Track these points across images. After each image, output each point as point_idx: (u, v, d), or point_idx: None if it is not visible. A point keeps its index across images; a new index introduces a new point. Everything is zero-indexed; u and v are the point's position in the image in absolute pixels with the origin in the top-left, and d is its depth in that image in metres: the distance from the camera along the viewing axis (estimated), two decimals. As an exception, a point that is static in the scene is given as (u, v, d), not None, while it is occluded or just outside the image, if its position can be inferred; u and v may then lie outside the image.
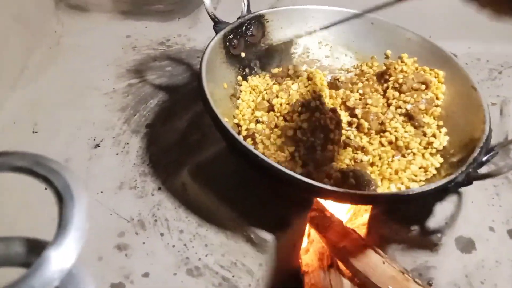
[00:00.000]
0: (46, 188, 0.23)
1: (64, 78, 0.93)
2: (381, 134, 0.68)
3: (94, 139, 0.79)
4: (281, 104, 0.69)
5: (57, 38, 1.02)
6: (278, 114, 0.69)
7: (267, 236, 0.60)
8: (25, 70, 0.92)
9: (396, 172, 0.62)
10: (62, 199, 0.20)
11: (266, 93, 0.72)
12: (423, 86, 0.71)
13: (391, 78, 0.73)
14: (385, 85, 0.74)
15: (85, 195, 0.21)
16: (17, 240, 0.25)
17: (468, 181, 0.54)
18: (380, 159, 0.65)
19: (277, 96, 0.70)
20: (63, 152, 0.77)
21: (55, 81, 0.92)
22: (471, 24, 1.13)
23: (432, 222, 0.64)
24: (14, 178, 0.25)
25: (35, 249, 0.24)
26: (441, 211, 0.66)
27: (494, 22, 1.12)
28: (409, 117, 0.70)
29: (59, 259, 0.19)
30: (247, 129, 0.68)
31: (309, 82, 0.73)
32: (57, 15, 1.07)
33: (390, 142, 0.67)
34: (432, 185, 0.53)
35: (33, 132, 0.80)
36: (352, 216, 0.80)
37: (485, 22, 1.13)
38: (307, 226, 0.72)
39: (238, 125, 0.70)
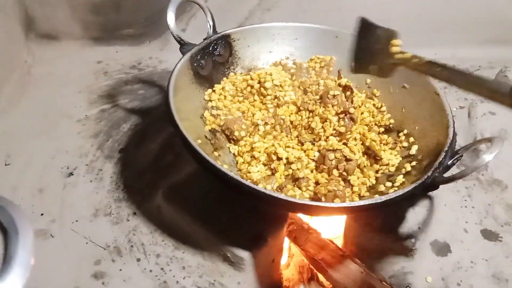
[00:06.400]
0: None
1: (36, 107, 0.93)
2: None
3: (68, 168, 0.79)
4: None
5: (27, 68, 1.02)
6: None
7: (244, 254, 0.61)
8: (-3, 102, 0.91)
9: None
10: (6, 234, 0.21)
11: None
12: None
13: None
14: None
15: (31, 230, 0.21)
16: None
17: (434, 185, 0.56)
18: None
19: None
20: (37, 183, 0.76)
21: (27, 111, 0.92)
22: (437, 30, 1.16)
23: (406, 228, 0.65)
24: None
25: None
26: (414, 216, 0.67)
27: (459, 27, 1.15)
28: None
29: (2, 295, 0.19)
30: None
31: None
32: (27, 45, 1.07)
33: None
34: (399, 192, 0.54)
35: (5, 165, 0.79)
36: (332, 227, 0.80)
37: (451, 28, 1.16)
38: (287, 240, 0.73)
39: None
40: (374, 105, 0.78)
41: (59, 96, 0.96)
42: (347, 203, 0.57)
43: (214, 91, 0.76)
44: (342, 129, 0.68)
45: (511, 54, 1.09)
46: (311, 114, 0.72)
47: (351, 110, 0.69)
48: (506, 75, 0.97)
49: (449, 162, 0.58)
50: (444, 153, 0.59)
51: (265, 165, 0.67)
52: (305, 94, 0.76)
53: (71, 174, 0.78)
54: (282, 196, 0.54)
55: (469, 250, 0.69)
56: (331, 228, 0.78)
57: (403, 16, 1.16)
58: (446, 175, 0.57)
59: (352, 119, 0.69)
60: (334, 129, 0.69)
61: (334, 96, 0.70)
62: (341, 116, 0.69)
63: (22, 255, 0.20)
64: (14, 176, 0.77)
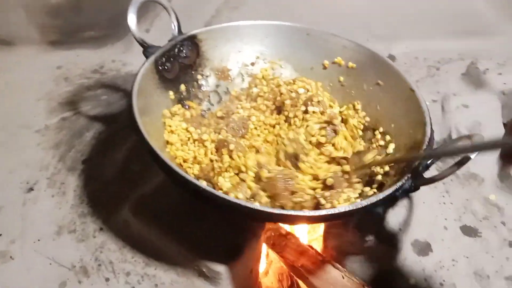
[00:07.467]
0: None
1: (-9, 118, 0.87)
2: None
3: (27, 182, 0.73)
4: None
5: (-19, 76, 0.96)
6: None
7: (220, 268, 0.57)
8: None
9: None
10: None
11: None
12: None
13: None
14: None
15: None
16: None
17: (415, 187, 0.54)
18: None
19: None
20: (-6, 201, 0.70)
21: (-18, 123, 0.85)
22: (407, 23, 1.15)
23: (386, 230, 0.63)
24: None
25: None
26: (394, 217, 0.65)
27: (429, 20, 1.15)
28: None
29: None
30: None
31: None
32: (-20, 52, 1.00)
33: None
34: (380, 195, 0.52)
35: (-43, 182, 0.73)
36: (310, 230, 0.78)
37: (421, 21, 1.16)
38: (265, 247, 0.70)
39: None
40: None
41: (17, 105, 0.89)
42: (323, 211, 0.54)
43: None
44: (322, 139, 0.65)
45: (481, 46, 1.09)
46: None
47: (335, 121, 0.66)
48: (477, 67, 0.97)
49: (428, 162, 0.56)
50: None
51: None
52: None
53: (31, 189, 0.72)
54: (256, 206, 0.51)
55: (450, 248, 0.68)
56: (310, 231, 0.76)
57: (372, 11, 1.15)
58: (425, 175, 0.55)
59: (334, 131, 0.66)
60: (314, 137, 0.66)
61: (319, 102, 0.68)
62: (324, 125, 0.67)
63: None
64: (-32, 195, 0.72)
